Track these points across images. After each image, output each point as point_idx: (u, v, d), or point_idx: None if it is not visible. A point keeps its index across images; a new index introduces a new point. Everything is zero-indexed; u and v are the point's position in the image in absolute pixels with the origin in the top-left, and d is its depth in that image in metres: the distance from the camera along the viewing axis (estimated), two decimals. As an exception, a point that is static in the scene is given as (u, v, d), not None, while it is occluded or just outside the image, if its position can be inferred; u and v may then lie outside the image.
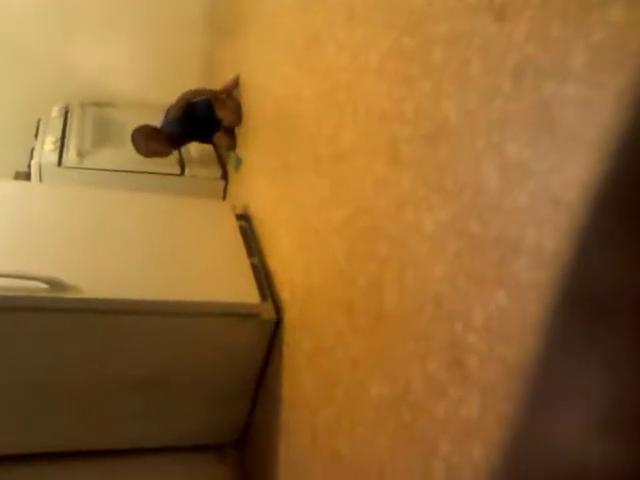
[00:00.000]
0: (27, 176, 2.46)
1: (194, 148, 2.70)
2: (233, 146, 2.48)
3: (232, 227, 2.07)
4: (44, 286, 1.54)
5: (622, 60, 0.72)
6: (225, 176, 2.65)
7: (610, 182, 0.73)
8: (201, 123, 2.45)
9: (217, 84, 2.59)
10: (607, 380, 0.73)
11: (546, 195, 0.83)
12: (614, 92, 0.73)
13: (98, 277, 1.64)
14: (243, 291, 1.77)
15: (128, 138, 2.38)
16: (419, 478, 1.08)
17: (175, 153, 2.59)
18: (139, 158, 2.39)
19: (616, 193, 0.73)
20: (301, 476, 1.63)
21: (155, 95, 2.72)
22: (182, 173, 2.60)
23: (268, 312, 1.78)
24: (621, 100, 0.72)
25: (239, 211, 2.26)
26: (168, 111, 2.45)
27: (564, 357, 0.79)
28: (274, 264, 1.92)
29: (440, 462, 1.02)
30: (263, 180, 2.11)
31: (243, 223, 2.14)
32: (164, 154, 2.41)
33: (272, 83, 2.12)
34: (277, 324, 1.79)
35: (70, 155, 2.46)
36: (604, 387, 0.73)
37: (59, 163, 2.44)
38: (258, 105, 2.26)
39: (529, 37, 0.87)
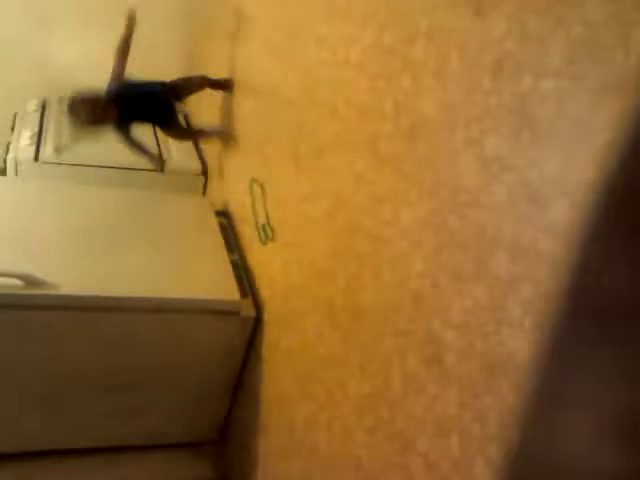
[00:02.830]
0: (2, 171, 2.41)
1: (174, 143, 2.67)
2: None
3: (211, 224, 2.06)
4: (19, 283, 1.51)
5: (600, 54, 0.72)
6: (205, 172, 2.63)
7: (596, 177, 0.74)
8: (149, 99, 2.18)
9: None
10: (594, 379, 0.73)
11: (524, 190, 0.83)
12: (593, 86, 0.73)
13: (74, 273, 1.62)
14: (223, 288, 1.76)
15: (106, 133, 2.31)
16: (397, 473, 1.08)
17: (155, 148, 2.55)
18: (118, 154, 2.33)
19: (599, 187, 0.73)
20: (279, 471, 1.62)
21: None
22: (162, 169, 2.57)
23: (248, 309, 1.77)
24: (600, 94, 0.72)
25: (219, 208, 2.24)
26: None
27: (542, 354, 0.79)
28: (254, 261, 1.90)
29: (418, 457, 1.02)
30: (243, 176, 2.09)
31: (223, 220, 2.13)
32: (108, 121, 2.06)
33: (253, 79, 2.10)
34: (257, 321, 1.78)
35: (47, 150, 2.42)
36: (594, 382, 0.74)
37: (36, 158, 2.40)
38: (238, 102, 2.24)
39: (508, 32, 0.87)
